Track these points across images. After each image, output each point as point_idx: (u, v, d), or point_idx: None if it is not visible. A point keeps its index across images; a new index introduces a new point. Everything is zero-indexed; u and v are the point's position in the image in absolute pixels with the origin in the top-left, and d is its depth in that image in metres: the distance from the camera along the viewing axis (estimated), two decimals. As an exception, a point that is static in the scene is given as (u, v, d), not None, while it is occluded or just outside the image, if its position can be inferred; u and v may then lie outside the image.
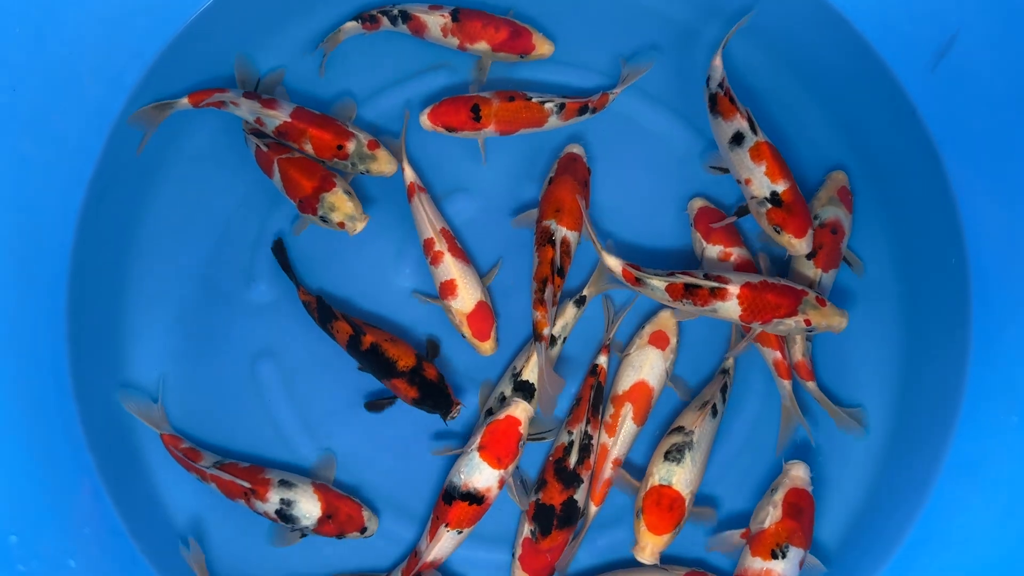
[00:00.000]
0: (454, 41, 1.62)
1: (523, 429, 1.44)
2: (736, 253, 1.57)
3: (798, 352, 1.54)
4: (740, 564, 1.43)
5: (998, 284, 1.54)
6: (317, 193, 1.52)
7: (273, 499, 1.46)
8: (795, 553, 1.40)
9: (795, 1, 1.67)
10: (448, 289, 1.54)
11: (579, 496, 1.47)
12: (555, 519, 1.45)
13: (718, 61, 1.55)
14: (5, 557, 1.27)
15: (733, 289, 1.45)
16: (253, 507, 1.47)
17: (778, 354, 1.54)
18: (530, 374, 1.53)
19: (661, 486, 1.46)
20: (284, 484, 1.47)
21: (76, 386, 1.55)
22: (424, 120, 1.57)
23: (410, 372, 1.48)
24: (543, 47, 1.63)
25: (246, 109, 1.58)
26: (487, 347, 1.55)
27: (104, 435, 1.54)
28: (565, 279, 1.54)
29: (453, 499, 1.42)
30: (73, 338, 1.56)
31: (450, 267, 1.54)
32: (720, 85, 1.54)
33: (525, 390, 1.52)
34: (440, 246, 1.54)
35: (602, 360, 1.54)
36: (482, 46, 1.61)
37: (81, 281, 1.58)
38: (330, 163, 1.57)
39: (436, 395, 1.49)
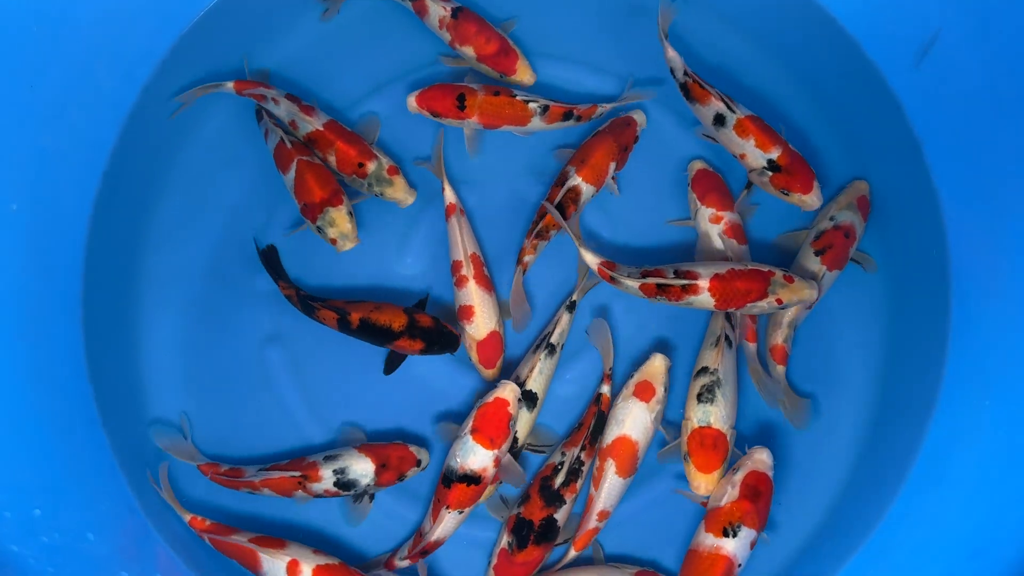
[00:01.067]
0: (446, 36, 1.64)
1: (512, 409, 1.48)
2: (727, 218, 1.60)
3: (779, 336, 1.59)
4: (694, 539, 1.46)
5: (976, 274, 1.57)
6: (323, 205, 1.56)
7: (326, 474, 1.49)
8: (746, 533, 1.42)
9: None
10: (465, 314, 1.58)
11: (559, 516, 1.50)
12: (532, 534, 1.49)
13: (672, 53, 1.58)
14: (31, 529, 1.31)
15: (703, 283, 1.49)
16: (311, 492, 1.50)
17: (747, 319, 1.59)
18: (533, 383, 1.56)
19: (701, 428, 1.50)
20: (329, 458, 1.51)
21: (91, 369, 1.58)
22: (411, 102, 1.60)
23: (407, 330, 1.52)
24: (524, 75, 1.65)
25: (284, 109, 1.62)
26: (490, 373, 1.59)
27: (117, 415, 1.57)
28: (566, 224, 1.56)
29: (452, 482, 1.46)
30: (88, 323, 1.59)
31: (471, 293, 1.57)
32: (686, 74, 1.57)
33: (529, 399, 1.56)
34: (466, 271, 1.57)
35: (604, 389, 1.56)
36: (468, 51, 1.63)
37: (95, 268, 1.61)
38: (348, 179, 1.61)
39: (439, 338, 1.54)
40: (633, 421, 1.52)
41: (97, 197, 1.63)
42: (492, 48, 1.63)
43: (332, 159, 1.60)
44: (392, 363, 1.60)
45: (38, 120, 1.52)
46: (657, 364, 1.55)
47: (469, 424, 1.49)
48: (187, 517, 1.49)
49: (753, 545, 1.44)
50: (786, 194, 1.57)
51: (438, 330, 1.55)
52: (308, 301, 1.55)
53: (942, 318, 1.59)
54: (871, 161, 1.68)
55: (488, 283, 1.59)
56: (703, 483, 1.50)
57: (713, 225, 1.60)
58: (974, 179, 1.58)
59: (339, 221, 1.56)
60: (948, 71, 1.59)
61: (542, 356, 1.56)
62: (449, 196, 1.61)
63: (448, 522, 1.48)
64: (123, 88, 1.64)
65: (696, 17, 1.71)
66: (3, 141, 1.47)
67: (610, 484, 1.51)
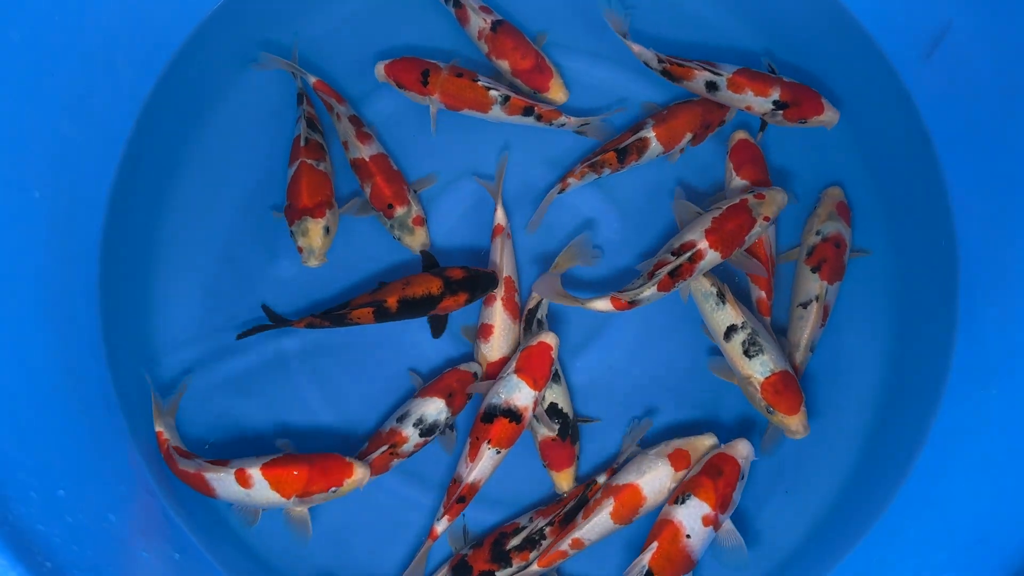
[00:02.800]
0: (484, 47, 1.65)
1: (554, 354, 1.51)
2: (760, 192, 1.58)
3: (797, 358, 1.57)
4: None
5: (984, 266, 1.58)
6: (304, 213, 1.57)
7: (408, 432, 1.51)
8: (696, 504, 1.42)
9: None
10: (484, 332, 1.58)
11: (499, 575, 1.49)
12: None
13: (637, 48, 1.61)
14: (55, 509, 1.33)
15: (703, 244, 1.50)
16: (402, 455, 1.51)
17: (763, 293, 1.59)
18: (554, 397, 1.56)
19: (766, 379, 1.50)
20: (401, 418, 1.52)
21: (109, 353, 1.60)
22: (379, 70, 1.63)
23: (447, 288, 1.53)
24: (557, 93, 1.65)
25: (342, 128, 1.63)
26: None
27: (134, 398, 1.59)
28: (623, 167, 1.59)
29: (495, 417, 1.48)
30: (105, 308, 1.61)
31: (496, 314, 1.58)
32: (660, 61, 1.60)
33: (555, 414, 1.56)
34: (497, 291, 1.58)
35: (600, 479, 1.54)
36: (504, 65, 1.64)
37: (112, 254, 1.63)
38: (376, 214, 1.61)
39: (479, 282, 1.55)
40: (652, 478, 1.49)
41: (114, 184, 1.64)
42: (527, 64, 1.63)
43: (368, 190, 1.61)
44: (437, 327, 1.60)
45: (57, 109, 1.54)
46: (706, 443, 1.52)
47: (513, 364, 1.51)
48: (157, 428, 1.51)
49: (708, 522, 1.42)
50: (804, 122, 1.61)
51: (474, 276, 1.55)
52: (333, 314, 1.53)
53: (949, 310, 1.61)
54: (881, 153, 1.69)
55: (515, 309, 1.59)
56: (798, 423, 1.51)
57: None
58: (983, 172, 1.59)
59: (312, 234, 1.57)
60: (959, 64, 1.59)
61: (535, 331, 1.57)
62: (499, 218, 1.62)
63: (487, 460, 1.49)
64: (141, 77, 1.66)
65: (709, 8, 1.73)
66: (24, 129, 1.49)
67: (598, 520, 1.48)
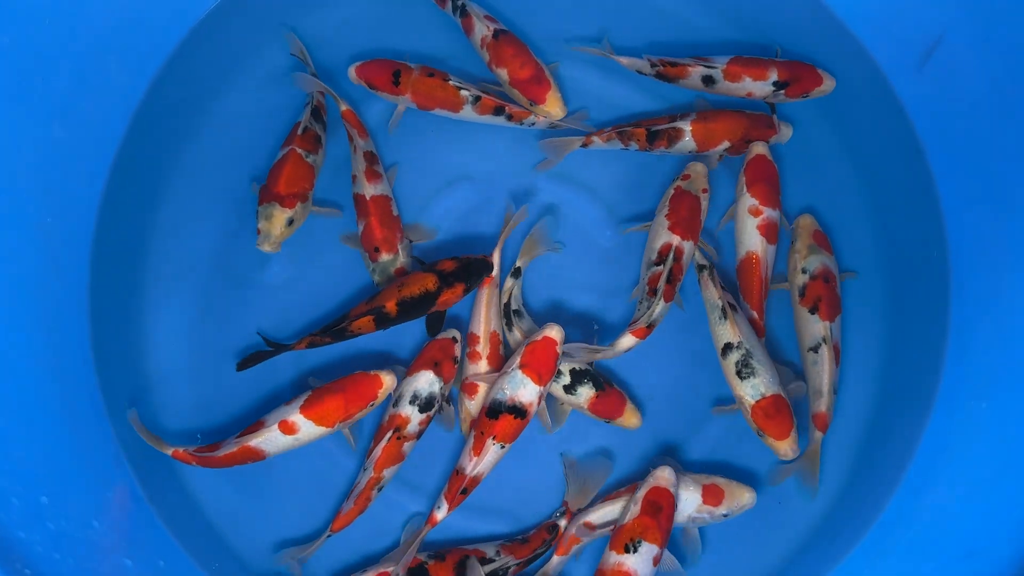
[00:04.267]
0: (486, 56, 1.64)
1: (559, 349, 1.50)
2: (767, 214, 1.59)
3: (822, 404, 1.55)
4: (601, 562, 1.46)
5: (976, 277, 1.58)
6: (275, 198, 1.57)
7: (408, 411, 1.50)
8: (647, 548, 1.43)
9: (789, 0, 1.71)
10: (469, 389, 1.56)
11: None
12: None
13: (627, 61, 1.63)
14: (37, 515, 1.33)
15: (676, 240, 1.54)
16: (409, 437, 1.50)
17: (754, 313, 1.58)
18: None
19: (757, 401, 1.50)
20: (396, 401, 1.51)
21: (97, 360, 1.59)
22: (351, 72, 1.63)
23: (443, 282, 1.52)
24: (553, 106, 1.63)
25: (356, 161, 1.62)
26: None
27: (122, 405, 1.58)
28: (652, 149, 1.62)
29: (500, 413, 1.48)
30: (95, 315, 1.60)
31: (481, 372, 1.56)
32: (653, 65, 1.61)
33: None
34: (481, 348, 1.57)
35: (562, 523, 1.54)
36: (503, 73, 1.63)
37: (103, 260, 1.62)
38: (363, 252, 1.61)
39: (473, 271, 1.54)
40: (680, 498, 1.49)
41: (105, 189, 1.64)
42: (526, 74, 1.62)
43: (361, 227, 1.61)
44: (434, 324, 1.60)
45: (49, 112, 1.54)
46: (744, 496, 1.51)
47: (517, 359, 1.50)
48: (169, 451, 1.49)
49: (656, 562, 1.44)
50: (807, 96, 1.63)
51: (465, 264, 1.54)
52: (333, 329, 1.52)
53: (941, 320, 1.60)
54: (873, 163, 1.69)
55: (500, 363, 1.57)
56: (787, 448, 1.51)
57: (751, 217, 1.60)
58: (976, 182, 1.59)
59: (274, 221, 1.57)
60: (952, 74, 1.59)
61: (515, 320, 1.58)
62: (493, 270, 1.60)
63: (491, 455, 1.49)
64: (133, 81, 1.66)
65: (701, 17, 1.73)
66: (15, 133, 1.49)
67: (613, 510, 1.50)
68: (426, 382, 1.51)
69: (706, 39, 1.72)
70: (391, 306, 1.51)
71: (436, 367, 1.52)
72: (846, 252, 1.67)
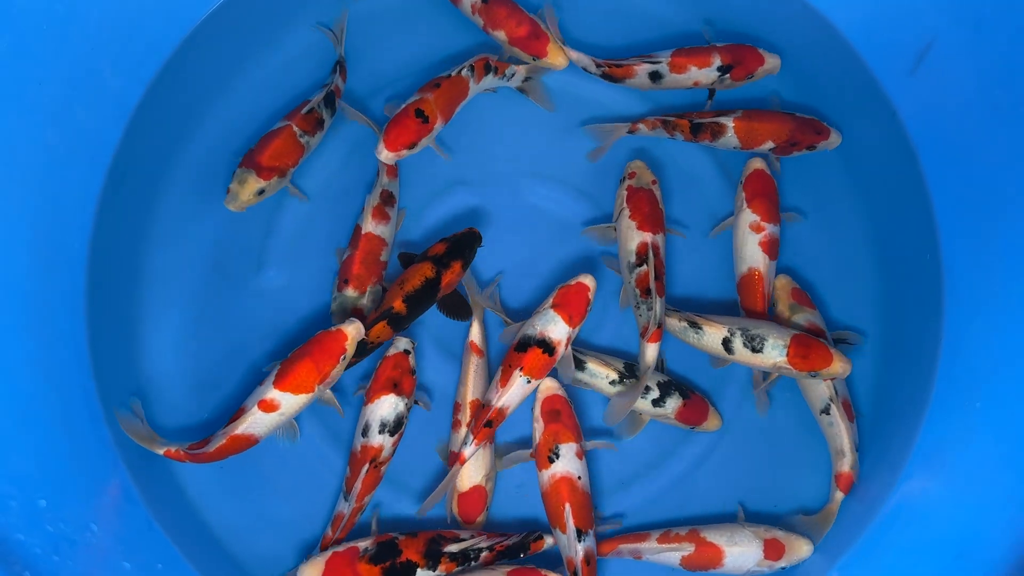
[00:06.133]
0: (479, 21, 1.65)
1: (591, 295, 1.51)
2: (768, 230, 1.59)
3: (846, 464, 1.54)
4: (539, 486, 1.50)
5: (968, 280, 1.58)
6: (254, 166, 1.57)
7: (380, 440, 1.49)
8: (567, 448, 1.49)
9: (781, 4, 1.72)
10: (453, 460, 1.52)
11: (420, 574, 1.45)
12: (390, 563, 1.44)
13: (575, 55, 1.64)
14: (36, 519, 1.33)
15: (648, 237, 1.55)
16: (387, 460, 1.51)
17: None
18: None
19: (786, 355, 1.50)
20: (364, 431, 1.50)
21: (94, 364, 1.58)
22: (384, 153, 1.54)
23: (440, 266, 1.52)
24: (556, 58, 1.64)
25: (372, 194, 1.61)
26: (468, 526, 1.54)
27: (119, 408, 1.56)
28: (696, 140, 1.63)
29: (529, 346, 1.49)
30: (91, 318, 1.60)
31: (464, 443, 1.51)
32: (598, 65, 1.62)
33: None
34: (462, 416, 1.55)
35: (549, 540, 1.51)
36: (500, 35, 1.64)
37: (99, 264, 1.62)
38: (334, 279, 1.61)
39: (464, 246, 1.54)
40: (739, 554, 1.49)
41: (101, 193, 1.64)
42: (523, 31, 1.63)
43: (343, 256, 1.61)
44: (453, 307, 1.58)
45: (44, 117, 1.53)
46: (804, 548, 1.51)
47: (550, 300, 1.51)
48: (161, 450, 1.48)
49: (581, 455, 1.50)
50: (751, 77, 1.64)
51: (455, 242, 1.54)
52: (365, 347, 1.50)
53: (934, 322, 1.61)
54: (866, 167, 1.70)
55: (485, 436, 1.51)
56: (843, 367, 1.50)
57: (752, 233, 1.60)
58: (968, 186, 1.59)
59: (246, 187, 1.56)
60: (943, 78, 1.60)
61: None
62: (475, 334, 1.60)
63: (517, 388, 1.49)
64: (128, 86, 1.66)
65: (691, 23, 1.74)
66: (10, 137, 1.49)
67: (668, 557, 1.51)
68: (390, 407, 1.51)
69: (692, 40, 1.72)
70: (399, 305, 1.50)
71: (396, 387, 1.51)
72: (838, 256, 1.68)
